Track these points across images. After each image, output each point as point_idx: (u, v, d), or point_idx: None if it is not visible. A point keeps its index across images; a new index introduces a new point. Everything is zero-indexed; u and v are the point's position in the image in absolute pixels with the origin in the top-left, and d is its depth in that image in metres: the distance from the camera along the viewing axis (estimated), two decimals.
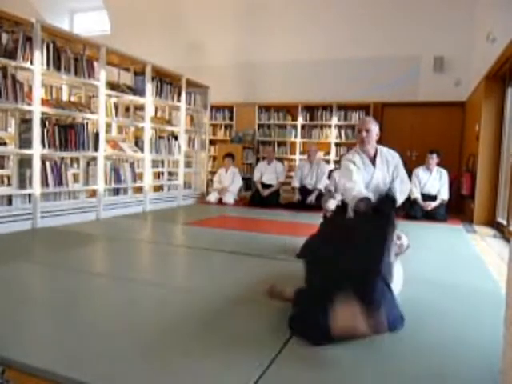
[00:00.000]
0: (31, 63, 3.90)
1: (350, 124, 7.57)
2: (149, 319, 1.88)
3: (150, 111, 5.67)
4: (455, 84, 6.98)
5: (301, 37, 7.85)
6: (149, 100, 5.56)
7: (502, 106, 5.20)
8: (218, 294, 2.22)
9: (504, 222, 4.73)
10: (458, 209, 6.26)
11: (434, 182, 5.85)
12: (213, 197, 6.84)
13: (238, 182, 7.05)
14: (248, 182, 8.34)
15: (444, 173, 5.87)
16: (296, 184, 6.59)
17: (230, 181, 6.97)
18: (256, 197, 6.84)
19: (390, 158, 3.03)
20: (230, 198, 6.76)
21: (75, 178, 4.69)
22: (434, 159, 5.81)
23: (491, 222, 5.28)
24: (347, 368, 1.50)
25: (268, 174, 7.00)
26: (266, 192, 6.79)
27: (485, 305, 2.26)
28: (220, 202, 6.78)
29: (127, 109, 5.76)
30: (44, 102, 4.15)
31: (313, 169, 6.63)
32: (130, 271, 2.69)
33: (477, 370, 1.52)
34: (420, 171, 5.90)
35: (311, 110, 8.00)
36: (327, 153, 7.75)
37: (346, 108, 7.68)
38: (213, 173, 8.28)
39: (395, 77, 7.13)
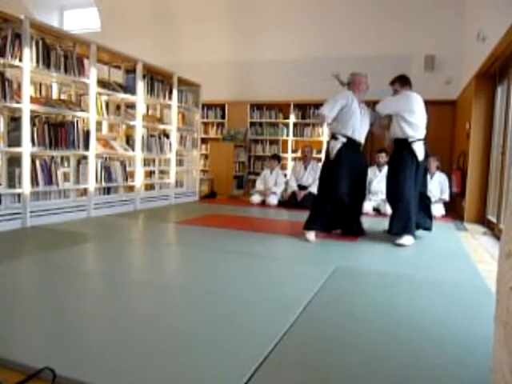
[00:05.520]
0: (20, 60, 3.85)
1: None
2: (143, 317, 1.87)
3: (141, 109, 5.64)
4: (446, 82, 7.02)
5: (293, 35, 7.84)
6: (140, 98, 5.52)
7: (493, 104, 5.25)
8: (205, 291, 2.22)
9: (494, 220, 4.77)
10: (448, 206, 6.29)
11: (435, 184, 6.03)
12: (256, 198, 6.73)
13: (282, 184, 6.85)
14: (240, 180, 8.35)
15: (444, 177, 6.08)
16: (294, 187, 6.50)
17: (274, 182, 6.85)
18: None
19: None
20: (273, 200, 6.62)
21: (66, 176, 4.65)
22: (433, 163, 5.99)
23: (482, 220, 5.32)
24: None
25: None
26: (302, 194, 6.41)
27: (474, 302, 2.27)
28: (263, 203, 6.68)
29: (118, 107, 5.70)
30: (33, 100, 4.11)
31: (308, 170, 6.59)
32: (120, 269, 2.67)
33: (466, 368, 1.52)
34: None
35: (303, 108, 8.01)
36: (319, 151, 7.76)
37: None
38: (205, 171, 8.28)
39: (387, 75, 7.14)
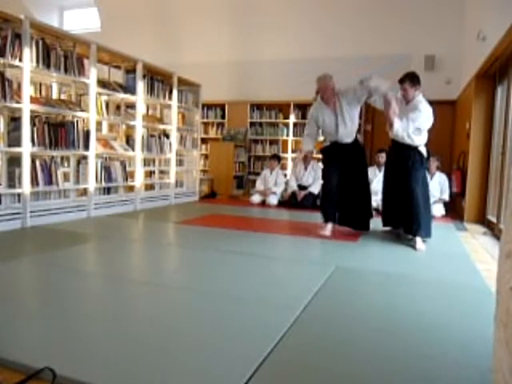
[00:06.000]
0: (20, 60, 3.85)
1: None
2: (143, 317, 1.87)
3: (141, 109, 5.64)
4: (446, 82, 7.03)
5: (293, 35, 7.84)
6: (140, 98, 5.52)
7: (492, 104, 5.24)
8: (211, 291, 2.22)
9: (494, 220, 4.77)
10: (448, 206, 6.29)
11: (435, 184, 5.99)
12: (256, 198, 6.75)
13: (282, 184, 6.86)
14: (240, 180, 8.35)
15: (444, 177, 6.05)
16: (294, 187, 6.49)
17: (274, 182, 6.86)
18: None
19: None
20: (273, 200, 6.63)
21: (66, 176, 4.65)
22: (433, 163, 5.95)
23: (482, 220, 5.32)
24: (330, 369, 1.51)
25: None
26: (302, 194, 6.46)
27: (474, 302, 2.27)
28: (263, 203, 6.71)
29: (118, 107, 5.71)
30: (33, 100, 4.11)
31: (308, 170, 6.57)
32: (120, 269, 2.67)
33: (466, 368, 1.52)
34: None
35: (303, 108, 8.00)
36: (319, 151, 7.75)
37: None
38: (205, 171, 8.28)
39: (387, 76, 7.14)
